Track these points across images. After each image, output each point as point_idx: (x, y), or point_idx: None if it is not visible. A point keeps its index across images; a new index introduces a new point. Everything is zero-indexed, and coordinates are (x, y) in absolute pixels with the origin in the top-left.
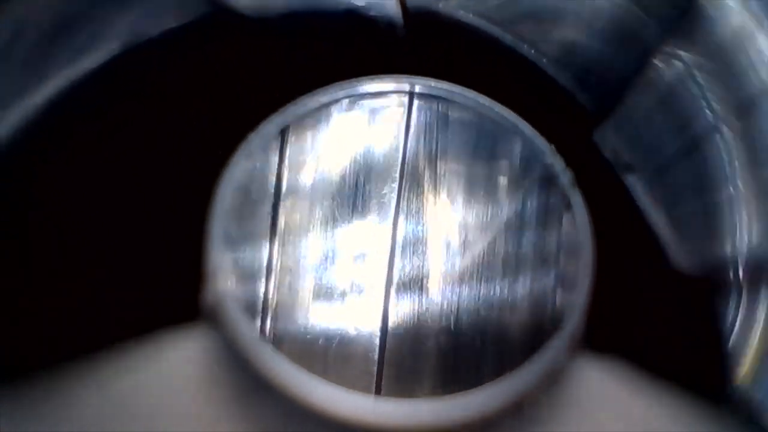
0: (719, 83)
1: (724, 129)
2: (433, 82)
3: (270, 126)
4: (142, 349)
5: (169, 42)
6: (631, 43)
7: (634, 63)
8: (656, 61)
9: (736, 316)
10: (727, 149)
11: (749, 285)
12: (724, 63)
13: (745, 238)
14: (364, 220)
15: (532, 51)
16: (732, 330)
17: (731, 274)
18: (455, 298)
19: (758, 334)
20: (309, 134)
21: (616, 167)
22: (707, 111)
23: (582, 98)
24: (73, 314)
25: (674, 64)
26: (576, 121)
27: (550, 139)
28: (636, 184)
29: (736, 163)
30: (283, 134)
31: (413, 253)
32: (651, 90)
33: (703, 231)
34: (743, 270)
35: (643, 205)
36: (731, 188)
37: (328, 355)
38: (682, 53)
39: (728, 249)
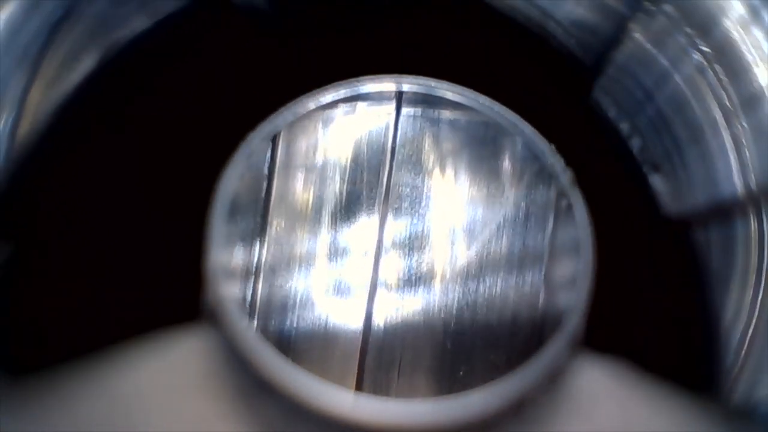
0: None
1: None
2: (433, 82)
3: (270, 126)
4: (142, 349)
5: (164, 42)
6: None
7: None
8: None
9: (737, 310)
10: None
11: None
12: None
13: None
14: (364, 219)
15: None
16: (731, 329)
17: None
18: (455, 296)
19: (755, 327)
20: (309, 134)
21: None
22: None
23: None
24: (73, 314)
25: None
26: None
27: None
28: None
29: (727, 104)
30: (283, 134)
31: (413, 251)
32: (635, 44)
33: (699, 177)
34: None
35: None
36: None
37: (329, 354)
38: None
39: (724, 191)
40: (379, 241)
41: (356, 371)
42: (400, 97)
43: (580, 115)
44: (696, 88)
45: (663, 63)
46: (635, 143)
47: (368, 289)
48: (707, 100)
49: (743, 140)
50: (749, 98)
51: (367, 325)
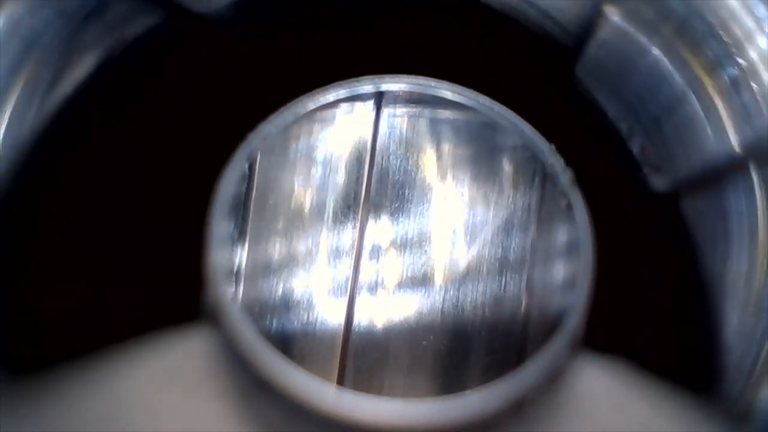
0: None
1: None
2: (433, 82)
3: (270, 126)
4: (142, 349)
5: (162, 44)
6: None
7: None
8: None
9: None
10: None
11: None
12: None
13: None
14: (364, 220)
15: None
16: (730, 328)
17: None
18: (455, 296)
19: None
20: (309, 134)
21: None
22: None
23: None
24: (73, 314)
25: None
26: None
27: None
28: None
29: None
30: (283, 134)
31: (411, 251)
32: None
33: (685, 145)
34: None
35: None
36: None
37: (330, 353)
38: None
39: (711, 154)
40: (379, 242)
41: (354, 371)
42: (400, 98)
43: (580, 115)
44: (673, 54)
45: (639, 38)
46: (635, 143)
47: (368, 289)
48: (686, 65)
49: (720, 101)
50: (719, 58)
51: (367, 325)
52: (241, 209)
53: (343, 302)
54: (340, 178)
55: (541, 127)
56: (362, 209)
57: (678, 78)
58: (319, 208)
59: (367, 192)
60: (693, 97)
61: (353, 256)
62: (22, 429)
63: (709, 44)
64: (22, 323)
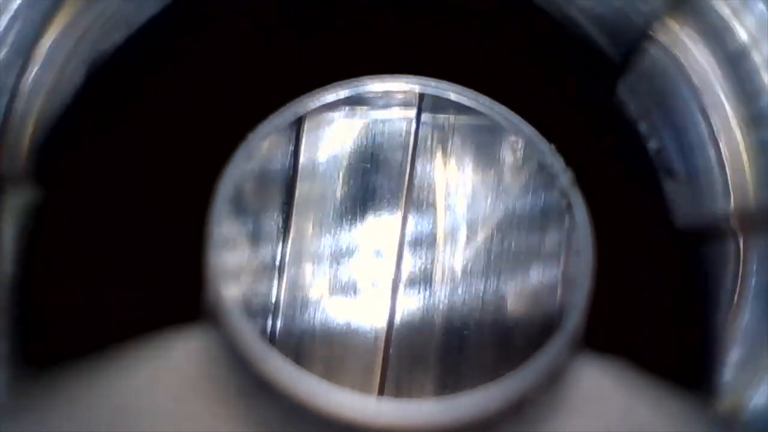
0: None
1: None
2: (433, 82)
3: (270, 126)
4: (142, 349)
5: (164, 41)
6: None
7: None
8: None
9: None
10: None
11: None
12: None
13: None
14: (363, 220)
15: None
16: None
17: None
18: (455, 296)
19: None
20: (309, 134)
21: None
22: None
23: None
24: (73, 314)
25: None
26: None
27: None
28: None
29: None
30: (284, 134)
31: (413, 251)
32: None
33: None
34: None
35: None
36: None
37: (331, 353)
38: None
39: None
40: (380, 242)
41: (371, 372)
42: (400, 98)
43: (580, 115)
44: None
45: (682, 65)
46: (652, 145)
47: (374, 288)
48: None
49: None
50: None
51: (372, 324)
52: (241, 209)
53: (349, 302)
54: (341, 178)
55: (541, 127)
56: (362, 210)
57: (708, 122)
58: (320, 208)
59: (367, 192)
60: (721, 143)
61: (357, 257)
62: (22, 429)
63: (758, 99)
64: (21, 323)
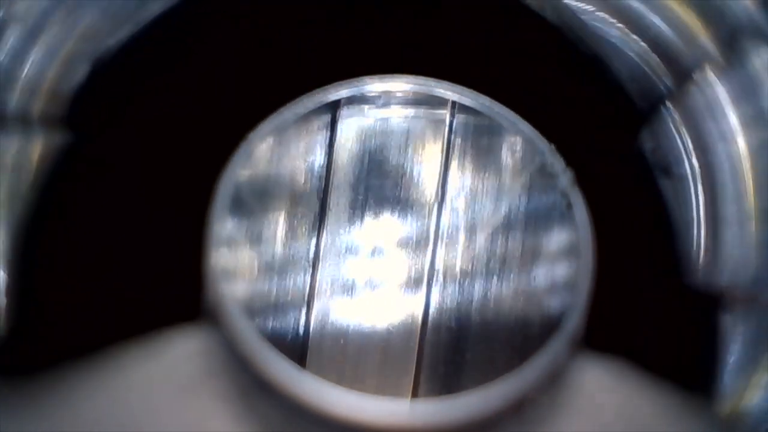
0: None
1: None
2: (433, 82)
3: (270, 126)
4: (142, 349)
5: (164, 41)
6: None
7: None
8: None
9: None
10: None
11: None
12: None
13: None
14: (362, 220)
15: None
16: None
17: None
18: (455, 297)
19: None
20: (310, 134)
21: (653, 168)
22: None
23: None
24: (73, 314)
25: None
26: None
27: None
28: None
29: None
30: (284, 134)
31: (413, 251)
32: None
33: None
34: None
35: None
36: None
37: (331, 353)
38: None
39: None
40: (380, 241)
41: (373, 372)
42: (400, 98)
43: (581, 115)
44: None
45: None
46: (647, 146)
47: (373, 288)
48: None
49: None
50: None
51: (372, 324)
52: (241, 209)
53: (347, 302)
54: (341, 178)
55: (541, 127)
56: (362, 209)
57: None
58: (320, 208)
59: (367, 192)
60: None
61: (357, 257)
62: (22, 429)
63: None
64: (21, 323)
